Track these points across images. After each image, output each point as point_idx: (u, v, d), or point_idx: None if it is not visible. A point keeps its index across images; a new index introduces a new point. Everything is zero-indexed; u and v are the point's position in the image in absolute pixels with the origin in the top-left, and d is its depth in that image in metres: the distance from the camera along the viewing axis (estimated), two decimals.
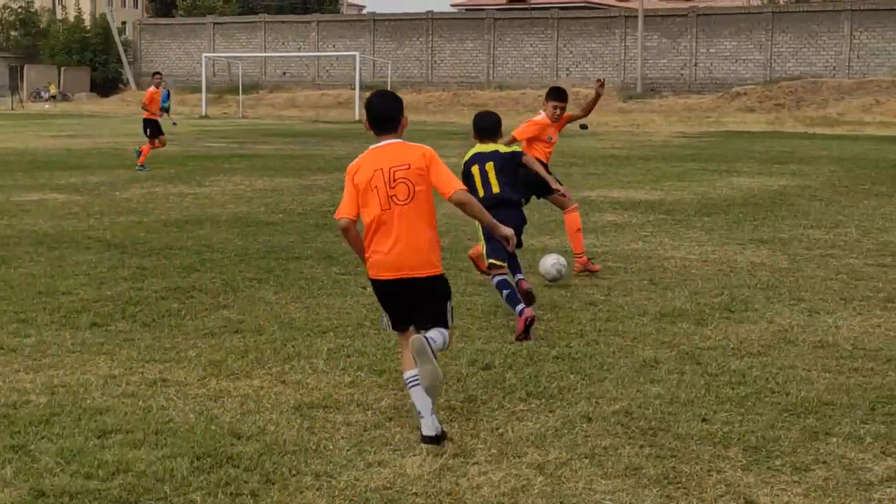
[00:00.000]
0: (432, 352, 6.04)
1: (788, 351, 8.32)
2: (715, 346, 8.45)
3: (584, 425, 6.47)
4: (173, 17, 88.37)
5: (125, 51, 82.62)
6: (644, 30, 61.01)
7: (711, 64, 61.37)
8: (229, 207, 17.15)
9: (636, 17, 61.61)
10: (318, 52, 70.83)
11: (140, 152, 24.66)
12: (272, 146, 32.68)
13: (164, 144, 25.71)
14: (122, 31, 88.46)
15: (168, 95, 50.55)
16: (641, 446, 6.11)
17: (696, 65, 61.78)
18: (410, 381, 6.29)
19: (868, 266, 12.13)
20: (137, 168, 23.97)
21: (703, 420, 6.57)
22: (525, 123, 11.77)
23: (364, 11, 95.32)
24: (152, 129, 25.29)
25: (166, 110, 49.47)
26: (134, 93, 77.85)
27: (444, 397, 6.97)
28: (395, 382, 7.30)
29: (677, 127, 48.22)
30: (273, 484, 5.48)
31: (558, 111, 11.61)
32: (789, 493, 5.46)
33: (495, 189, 9.31)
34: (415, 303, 6.41)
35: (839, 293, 10.57)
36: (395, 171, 6.27)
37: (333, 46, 71.08)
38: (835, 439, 6.24)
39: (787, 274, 11.64)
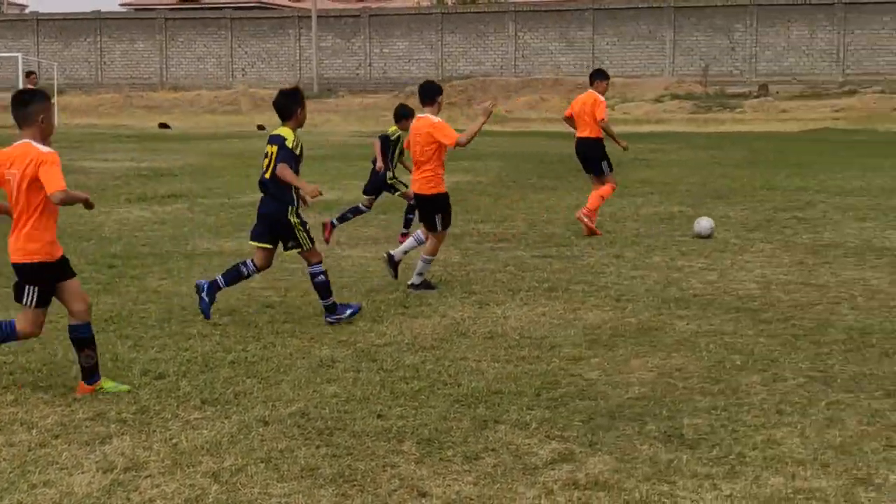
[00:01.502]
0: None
1: (460, 343, 8.56)
2: (390, 342, 8.59)
3: (261, 429, 6.43)
4: None
5: None
6: (318, 30, 61.31)
7: (385, 64, 62.43)
8: None
9: (310, 17, 61.83)
10: None
11: None
12: None
13: None
14: None
15: None
16: (318, 446, 6.12)
17: (370, 65, 62.68)
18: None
19: (534, 258, 12.66)
20: None
21: (379, 416, 6.66)
22: (601, 108, 14.49)
23: (27, 11, 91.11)
24: None
25: None
26: None
27: (115, 409, 6.75)
28: (63, 398, 7.01)
29: (355, 126, 48.73)
30: None
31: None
32: (460, 482, 5.62)
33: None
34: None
35: (507, 285, 10.97)
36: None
37: None
38: (503, 427, 6.47)
39: (458, 268, 11.98)
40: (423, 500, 5.40)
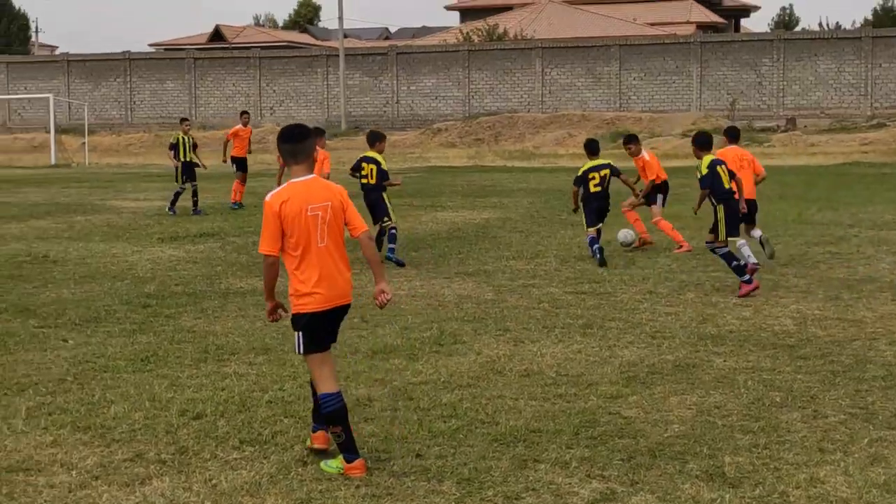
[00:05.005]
0: None
1: (496, 381, 8.53)
2: (426, 380, 8.56)
3: (300, 470, 6.41)
4: None
5: None
6: (346, 68, 61.65)
7: (412, 101, 62.67)
8: None
9: (337, 55, 62.22)
10: (8, 94, 67.75)
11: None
12: None
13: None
14: None
15: None
16: (357, 486, 6.10)
17: (398, 102, 62.94)
18: None
19: (567, 294, 12.62)
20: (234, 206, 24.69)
21: (418, 455, 6.63)
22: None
23: (57, 52, 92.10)
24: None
25: None
26: None
27: (154, 450, 6.75)
28: (101, 439, 7.02)
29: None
30: None
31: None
32: None
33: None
34: None
35: (542, 322, 10.94)
36: None
37: (25, 88, 68.15)
38: (543, 466, 6.43)
39: (492, 305, 11.95)
40: None
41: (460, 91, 61.77)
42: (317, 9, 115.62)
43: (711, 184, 12.88)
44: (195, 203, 24.02)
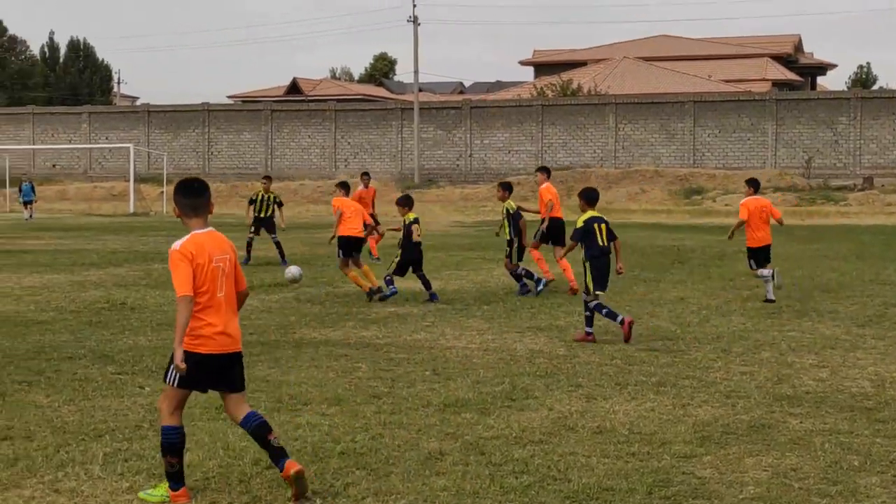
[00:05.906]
0: None
1: (569, 437, 8.48)
2: (498, 435, 8.54)
3: None
4: None
5: None
6: (420, 122, 62.17)
7: (486, 154, 62.96)
8: None
9: (412, 109, 62.77)
10: (90, 143, 69.18)
11: None
12: (42, 241, 31.60)
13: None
14: None
15: (32, 188, 48.59)
16: None
17: (471, 155, 63.26)
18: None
19: (640, 351, 12.54)
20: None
21: None
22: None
23: (138, 103, 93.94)
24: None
25: (28, 203, 47.49)
26: None
27: (227, 499, 6.81)
28: None
29: (455, 216, 49.17)
30: None
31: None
32: None
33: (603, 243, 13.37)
34: None
35: (614, 378, 10.87)
36: None
37: (106, 138, 69.58)
38: None
39: (564, 361, 11.91)
40: None
41: (533, 145, 61.97)
42: (392, 63, 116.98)
43: (582, 239, 13.44)
44: (281, 254, 24.24)
